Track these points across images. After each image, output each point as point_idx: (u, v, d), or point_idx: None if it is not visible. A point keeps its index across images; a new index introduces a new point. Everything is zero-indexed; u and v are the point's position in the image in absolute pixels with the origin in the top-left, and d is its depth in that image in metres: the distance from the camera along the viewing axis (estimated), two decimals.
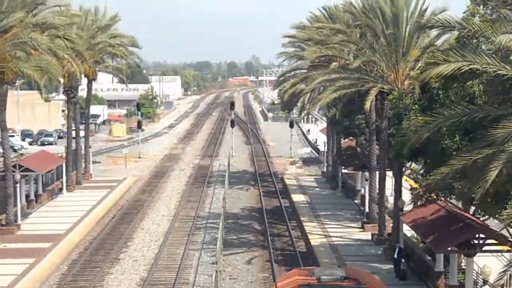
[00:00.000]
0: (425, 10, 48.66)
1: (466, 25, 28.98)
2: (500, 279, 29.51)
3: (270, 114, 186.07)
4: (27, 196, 63.11)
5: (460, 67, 27.65)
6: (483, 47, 31.92)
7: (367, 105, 47.32)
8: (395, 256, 42.41)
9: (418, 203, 43.37)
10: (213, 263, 45.34)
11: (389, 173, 52.61)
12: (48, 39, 54.70)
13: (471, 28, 28.69)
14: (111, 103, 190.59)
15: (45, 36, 54.72)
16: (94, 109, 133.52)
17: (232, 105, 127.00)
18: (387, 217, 50.86)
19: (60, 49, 55.54)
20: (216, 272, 38.17)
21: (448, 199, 41.84)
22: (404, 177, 51.33)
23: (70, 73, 70.81)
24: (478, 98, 34.67)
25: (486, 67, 27.59)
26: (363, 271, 30.76)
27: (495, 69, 27.29)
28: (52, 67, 54.29)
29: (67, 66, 64.10)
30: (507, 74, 27.19)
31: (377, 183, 52.53)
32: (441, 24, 30.02)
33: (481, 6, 32.56)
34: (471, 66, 27.70)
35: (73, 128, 77.65)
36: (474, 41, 34.11)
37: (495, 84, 29.87)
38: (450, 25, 29.54)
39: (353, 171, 69.00)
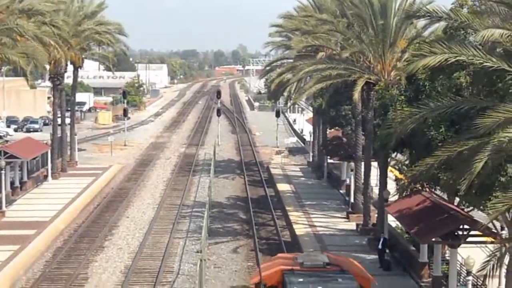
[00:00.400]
0: (414, 1, 48.76)
1: (453, 16, 29.01)
2: (483, 269, 29.74)
3: (256, 104, 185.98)
4: (12, 183, 62.86)
5: (447, 58, 27.67)
6: (471, 38, 31.97)
7: (355, 95, 47.29)
8: (380, 246, 42.55)
9: (403, 194, 43.49)
10: (197, 252, 45.33)
11: (375, 164, 52.77)
12: (34, 25, 54.40)
13: (458, 19, 28.73)
14: (97, 91, 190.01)
15: (31, 23, 54.41)
16: (80, 97, 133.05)
17: (219, 94, 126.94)
18: (372, 208, 51.01)
19: (46, 35, 55.27)
20: (201, 260, 38.16)
21: (433, 190, 41.98)
22: (390, 168, 51.47)
23: (56, 60, 70.51)
24: (464, 90, 34.74)
25: (473, 59, 27.61)
26: (346, 258, 30.89)
27: (481, 61, 27.32)
28: (38, 54, 54.00)
29: (53, 53, 63.76)
30: (493, 66, 27.24)
31: (362, 174, 52.63)
32: (428, 14, 30.01)
33: None
34: (457, 58, 27.72)
35: (59, 115, 77.34)
36: (461, 32, 34.20)
37: (481, 76, 29.94)
38: (438, 15, 29.54)
39: (338, 161, 69.13)
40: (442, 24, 37.47)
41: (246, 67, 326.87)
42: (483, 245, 37.88)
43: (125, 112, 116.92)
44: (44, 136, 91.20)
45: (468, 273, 28.19)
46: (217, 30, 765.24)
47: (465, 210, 37.28)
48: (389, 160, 48.89)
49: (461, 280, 35.60)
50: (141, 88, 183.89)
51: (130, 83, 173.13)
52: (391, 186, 49.04)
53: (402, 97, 41.30)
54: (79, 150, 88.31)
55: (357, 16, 50.25)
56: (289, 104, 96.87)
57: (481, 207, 31.93)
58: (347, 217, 54.82)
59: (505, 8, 27.02)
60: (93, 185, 69.63)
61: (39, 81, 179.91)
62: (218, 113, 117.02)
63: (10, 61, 52.84)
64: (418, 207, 38.80)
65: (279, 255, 33.62)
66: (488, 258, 29.78)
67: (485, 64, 27.25)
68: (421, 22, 46.27)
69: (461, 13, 29.94)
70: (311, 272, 25.67)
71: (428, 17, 30.61)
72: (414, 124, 29.80)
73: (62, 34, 61.14)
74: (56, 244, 49.48)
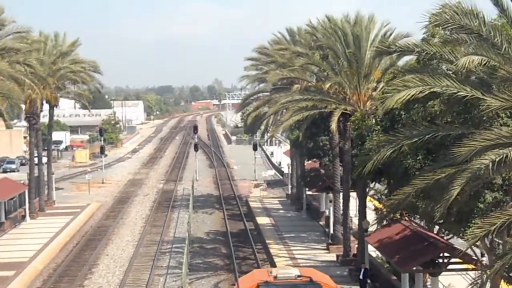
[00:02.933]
0: (390, 34, 49.14)
1: (425, 48, 29.32)
2: None
3: (233, 137, 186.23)
4: None
5: (421, 91, 27.97)
6: (443, 67, 32.26)
7: (333, 126, 47.45)
8: (361, 277, 42.50)
9: (383, 223, 43.58)
10: None
11: (353, 194, 52.88)
12: (8, 65, 54.22)
13: (430, 51, 29.04)
14: (74, 129, 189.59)
15: (5, 62, 54.23)
16: (56, 135, 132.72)
17: (195, 128, 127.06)
18: (352, 238, 50.99)
19: (21, 74, 55.12)
20: None
21: (412, 218, 42.10)
22: (368, 198, 51.58)
23: (31, 99, 70.40)
24: (439, 118, 34.99)
25: (446, 90, 27.90)
26: (316, 271, 32.54)
27: (455, 91, 27.60)
28: (14, 93, 53.74)
29: (28, 92, 63.64)
30: (468, 95, 27.50)
31: (341, 205, 52.70)
32: (400, 49, 30.34)
33: (440, 27, 32.93)
34: (431, 90, 28.02)
35: (36, 154, 77.04)
36: (434, 61, 34.48)
37: (455, 104, 30.20)
38: (409, 49, 29.86)
39: (317, 193, 69.22)
40: (414, 56, 37.78)
41: (222, 101, 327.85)
42: (464, 272, 38.00)
43: (102, 150, 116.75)
44: (21, 176, 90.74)
45: None
46: (192, 66, 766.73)
47: (445, 238, 37.42)
48: (367, 190, 49.00)
49: None
50: (118, 125, 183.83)
51: (107, 120, 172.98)
52: (371, 216, 49.08)
53: (378, 127, 41.51)
54: (57, 189, 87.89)
55: (331, 49, 50.57)
56: (266, 137, 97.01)
57: (461, 234, 32.06)
58: (327, 249, 54.78)
59: (476, 37, 27.33)
60: (72, 224, 69.24)
61: (15, 121, 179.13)
62: (196, 148, 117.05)
63: None
64: (398, 236, 38.90)
65: (255, 270, 35.92)
66: (470, 286, 29.83)
67: (459, 93, 27.50)
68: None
69: (433, 44, 30.24)
70: (284, 283, 27.84)
71: (400, 52, 30.91)
72: (391, 151, 29.99)
73: (38, 73, 61.00)
74: (35, 284, 49.03)
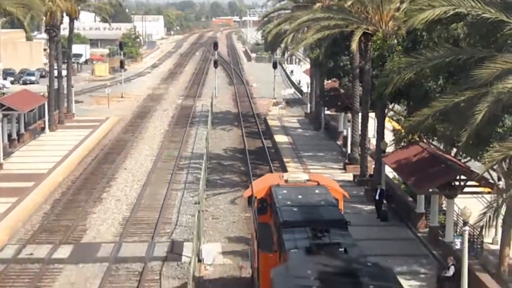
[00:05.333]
0: None
1: None
2: (480, 220, 29.91)
3: (253, 55, 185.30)
4: (9, 135, 62.85)
5: (446, 11, 27.60)
6: None
7: (353, 46, 47.05)
8: (377, 197, 42.72)
9: (400, 145, 43.59)
10: (195, 203, 45.54)
11: (372, 115, 52.75)
12: None
13: None
14: (94, 42, 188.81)
15: None
16: (76, 48, 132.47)
17: (216, 45, 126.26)
18: (369, 159, 51.08)
19: None
20: (199, 211, 38.34)
21: (431, 141, 42.04)
22: (387, 119, 51.44)
23: (52, 11, 70.06)
24: (462, 41, 34.60)
25: (471, 11, 27.53)
26: (324, 176, 34.47)
27: (479, 13, 27.23)
28: (34, 5, 53.57)
29: (48, 4, 63.32)
30: (492, 18, 27.13)
31: (359, 125, 52.61)
32: None
33: None
34: (456, 10, 27.67)
35: (55, 67, 77.05)
36: None
37: (479, 27, 29.81)
38: None
39: (335, 113, 69.14)
40: None
41: (243, 18, 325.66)
42: (480, 195, 38.09)
43: (122, 64, 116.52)
44: (41, 88, 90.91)
45: (465, 223, 28.30)
46: None
47: (462, 161, 37.40)
48: (386, 111, 48.83)
49: (458, 230, 35.79)
50: (138, 40, 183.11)
51: (127, 34, 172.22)
52: (389, 137, 49.05)
53: (400, 47, 41.15)
54: (76, 102, 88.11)
55: None
56: (286, 55, 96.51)
57: (478, 158, 32.02)
58: (344, 168, 54.94)
59: None
60: (91, 137, 69.64)
61: (35, 33, 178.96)
62: (215, 64, 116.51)
63: (7, 12, 52.35)
64: (415, 158, 38.91)
65: (267, 174, 38.91)
66: (485, 210, 29.92)
67: (483, 15, 27.14)
68: None
69: None
70: (294, 186, 30.10)
71: None
72: (412, 73, 29.82)
73: None
74: (54, 196, 49.58)
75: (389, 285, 20.02)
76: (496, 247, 33.86)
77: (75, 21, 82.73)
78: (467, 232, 28.02)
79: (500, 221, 31.61)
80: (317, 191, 29.49)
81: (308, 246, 23.07)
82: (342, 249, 22.60)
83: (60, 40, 78.78)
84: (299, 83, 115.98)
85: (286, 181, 30.76)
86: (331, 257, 22.04)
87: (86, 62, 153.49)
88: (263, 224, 28.91)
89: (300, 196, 28.78)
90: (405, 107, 45.53)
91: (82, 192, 50.49)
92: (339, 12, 48.58)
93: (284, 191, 29.27)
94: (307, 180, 31.04)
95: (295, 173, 35.80)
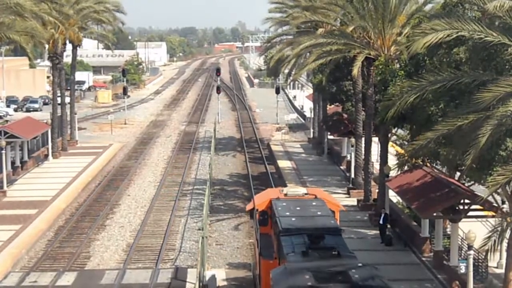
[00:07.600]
0: None
1: None
2: (485, 244, 29.79)
3: (256, 80, 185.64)
4: (13, 163, 62.96)
5: (449, 34, 27.73)
6: (469, 13, 31.94)
7: (355, 70, 47.27)
8: (381, 221, 42.62)
9: (404, 169, 43.57)
10: (199, 229, 45.46)
11: (375, 139, 52.77)
12: (32, 3, 54.04)
13: None
14: (97, 69, 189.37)
15: (28, 1, 54.04)
16: (79, 75, 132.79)
17: (218, 71, 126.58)
18: (372, 183, 51.04)
19: (44, 13, 54.93)
20: (202, 238, 38.25)
21: (434, 165, 42.01)
22: (390, 143, 51.44)
23: (54, 39, 70.34)
24: (464, 65, 34.69)
25: (473, 34, 27.64)
26: (321, 191, 36.53)
27: (481, 36, 27.33)
28: (37, 32, 53.74)
29: (51, 32, 63.51)
30: (494, 41, 27.22)
31: (363, 149, 52.63)
32: None
33: None
34: (459, 34, 27.77)
35: (59, 94, 77.26)
36: (460, 8, 34.18)
37: (480, 51, 29.92)
38: None
39: (339, 137, 69.14)
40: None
41: (246, 44, 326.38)
42: (484, 219, 37.99)
43: (125, 91, 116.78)
44: (44, 115, 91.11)
45: (470, 247, 28.24)
46: (216, 7, 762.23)
47: (466, 184, 37.35)
48: (389, 135, 48.84)
49: (463, 254, 35.69)
50: (141, 66, 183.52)
51: (130, 61, 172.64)
52: (392, 161, 49.03)
53: (402, 72, 41.22)
54: (79, 129, 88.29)
55: None
56: (289, 80, 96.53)
57: (482, 181, 31.97)
58: (348, 193, 54.89)
59: None
60: (94, 164, 69.68)
61: (38, 60, 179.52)
62: (218, 90, 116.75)
63: (10, 40, 52.50)
64: (419, 182, 38.87)
65: (268, 189, 41.21)
66: (489, 234, 29.82)
67: (486, 38, 27.23)
68: None
69: None
70: (292, 199, 32.52)
71: None
72: (414, 97, 29.89)
73: (62, 10, 60.71)
74: (58, 223, 49.56)
75: (377, 283, 22.19)
76: (501, 271, 33.75)
77: (78, 48, 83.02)
78: (472, 256, 27.95)
79: (504, 245, 31.52)
80: (314, 203, 31.88)
81: (304, 250, 25.43)
82: (336, 252, 24.93)
83: (63, 67, 79.00)
84: (302, 108, 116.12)
85: (286, 194, 33.36)
86: (325, 259, 24.46)
87: (89, 89, 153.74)
88: (264, 235, 31.70)
89: (298, 208, 31.17)
90: (408, 132, 45.55)
91: (86, 218, 50.46)
92: (341, 37, 48.73)
93: (284, 204, 31.66)
94: (305, 194, 33.60)
95: (294, 187, 38.13)
